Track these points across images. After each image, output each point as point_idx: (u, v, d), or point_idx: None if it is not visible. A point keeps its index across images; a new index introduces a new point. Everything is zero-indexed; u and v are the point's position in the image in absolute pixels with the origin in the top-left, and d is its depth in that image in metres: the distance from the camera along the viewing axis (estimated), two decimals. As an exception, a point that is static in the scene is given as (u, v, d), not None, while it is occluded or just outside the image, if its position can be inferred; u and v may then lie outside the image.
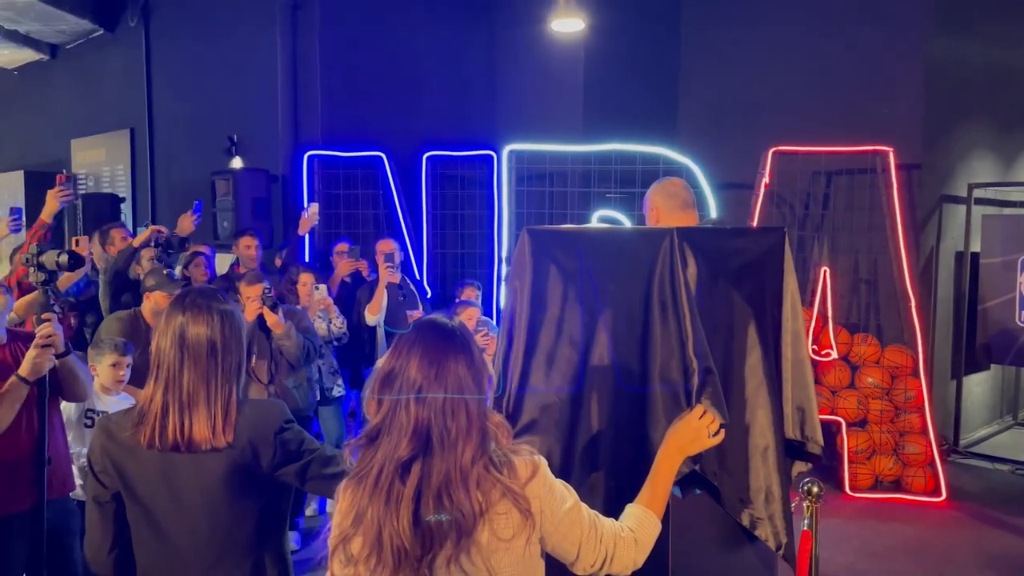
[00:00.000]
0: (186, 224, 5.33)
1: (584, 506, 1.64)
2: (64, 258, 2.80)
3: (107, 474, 1.85)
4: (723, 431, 1.83)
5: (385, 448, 1.50)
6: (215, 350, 1.86)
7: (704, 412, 1.83)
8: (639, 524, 1.69)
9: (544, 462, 1.59)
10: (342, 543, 1.53)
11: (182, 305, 1.90)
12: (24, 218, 4.42)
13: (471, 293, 5.27)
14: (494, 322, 5.35)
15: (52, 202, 4.51)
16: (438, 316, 1.62)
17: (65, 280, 4.16)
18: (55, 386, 2.91)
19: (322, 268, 5.71)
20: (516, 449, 1.59)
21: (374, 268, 5.39)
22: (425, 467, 1.49)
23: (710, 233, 2.63)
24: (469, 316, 4.45)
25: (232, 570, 1.89)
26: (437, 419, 1.49)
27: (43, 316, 2.75)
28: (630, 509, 1.74)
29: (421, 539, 1.47)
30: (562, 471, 2.37)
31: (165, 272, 4.00)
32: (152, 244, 4.66)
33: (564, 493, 1.61)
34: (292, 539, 3.70)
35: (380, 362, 1.60)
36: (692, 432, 1.82)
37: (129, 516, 1.88)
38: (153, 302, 3.95)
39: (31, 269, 2.81)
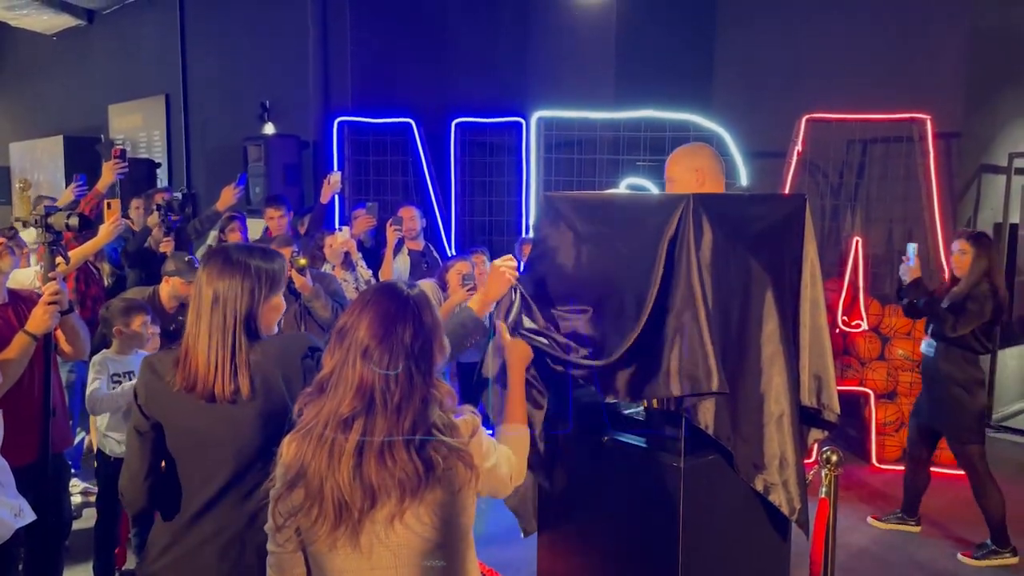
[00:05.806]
0: (228, 197, 5.39)
1: (499, 452, 1.76)
2: (75, 220, 2.85)
3: (149, 407, 1.96)
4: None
5: (331, 403, 1.55)
6: (218, 301, 1.94)
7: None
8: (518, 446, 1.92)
9: (479, 420, 1.67)
10: (286, 492, 1.57)
11: (205, 262, 2.01)
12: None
13: (478, 258, 5.34)
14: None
15: (108, 174, 4.70)
16: (397, 281, 1.67)
17: (79, 254, 4.22)
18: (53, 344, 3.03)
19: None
20: (458, 411, 1.65)
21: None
22: (368, 425, 1.52)
23: (728, 199, 2.61)
24: (458, 271, 4.54)
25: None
26: (380, 381, 1.53)
27: (49, 275, 2.84)
28: (504, 439, 1.93)
29: (362, 494, 1.51)
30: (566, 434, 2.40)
31: (187, 259, 4.10)
32: (155, 209, 4.77)
33: (491, 449, 1.71)
34: None
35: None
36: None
37: (170, 443, 1.98)
38: (171, 286, 4.11)
39: (39, 230, 2.87)
